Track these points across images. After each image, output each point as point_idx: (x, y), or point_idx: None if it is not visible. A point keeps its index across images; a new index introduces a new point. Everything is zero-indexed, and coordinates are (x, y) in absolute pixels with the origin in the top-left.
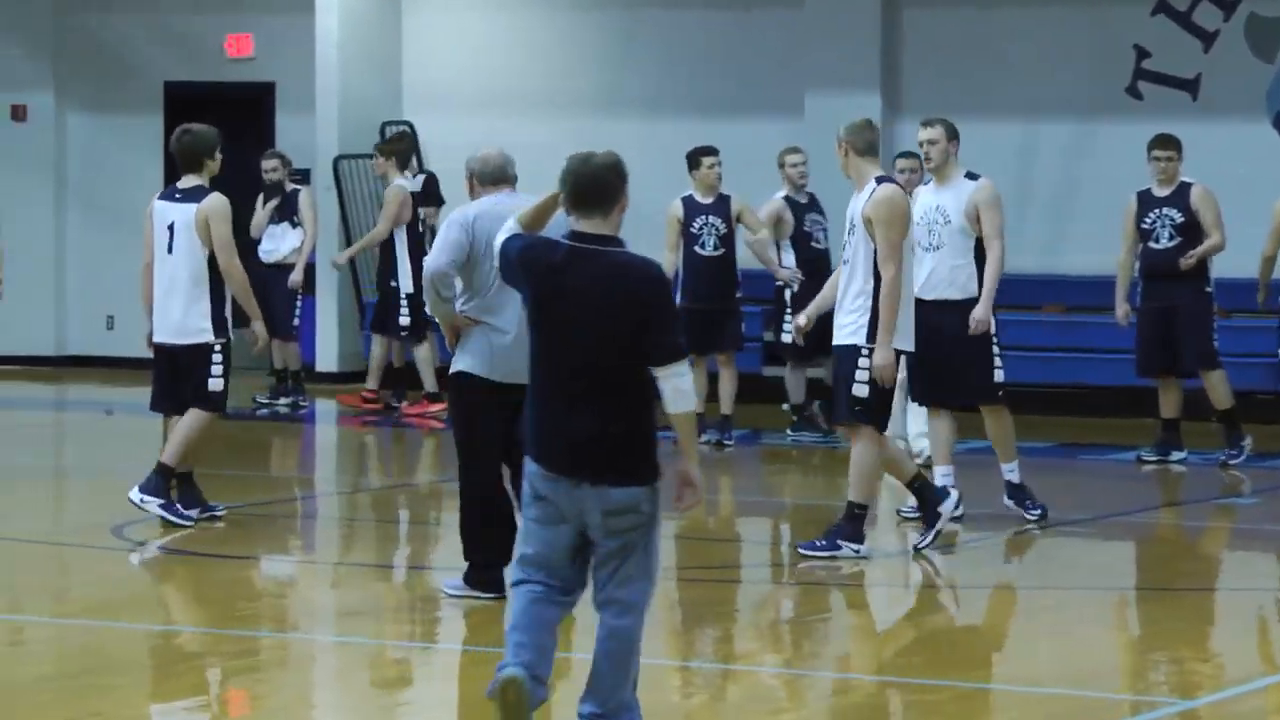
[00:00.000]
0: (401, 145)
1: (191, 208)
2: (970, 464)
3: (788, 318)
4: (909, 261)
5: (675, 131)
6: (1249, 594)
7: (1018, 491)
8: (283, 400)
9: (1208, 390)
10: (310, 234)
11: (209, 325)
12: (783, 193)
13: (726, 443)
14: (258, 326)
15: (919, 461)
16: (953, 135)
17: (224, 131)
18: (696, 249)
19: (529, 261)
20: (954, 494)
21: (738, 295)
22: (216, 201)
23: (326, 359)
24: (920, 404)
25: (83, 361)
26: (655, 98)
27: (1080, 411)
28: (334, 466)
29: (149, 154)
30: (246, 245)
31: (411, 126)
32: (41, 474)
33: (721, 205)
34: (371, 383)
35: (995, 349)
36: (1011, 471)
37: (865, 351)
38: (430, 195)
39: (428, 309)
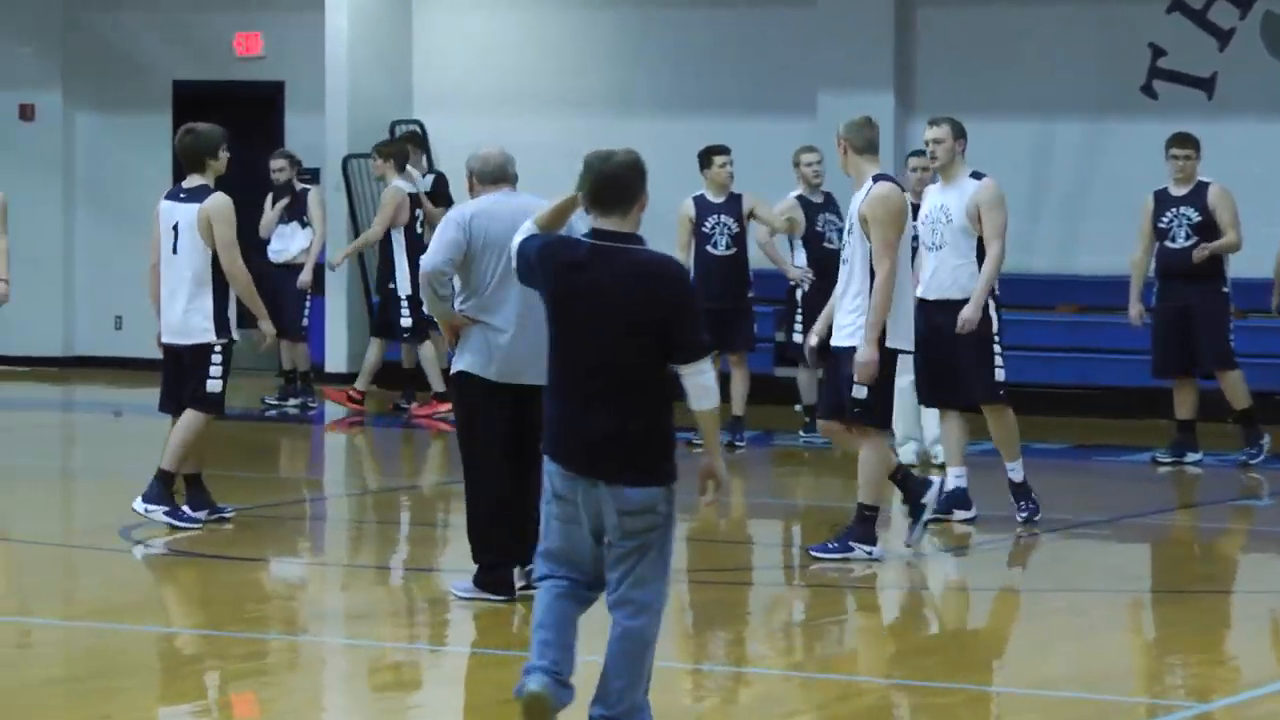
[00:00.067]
0: (400, 147)
1: (194, 208)
2: (983, 465)
3: (799, 318)
4: (908, 261)
5: (687, 130)
6: (1266, 596)
7: (1018, 490)
8: (291, 401)
9: (1225, 390)
10: (319, 234)
11: (210, 325)
12: (796, 192)
13: (738, 444)
14: (264, 325)
15: (934, 464)
16: (959, 134)
17: (233, 131)
18: (708, 248)
19: (548, 259)
20: (935, 482)
21: (750, 295)
22: (219, 201)
23: (336, 360)
24: (924, 405)
25: (90, 362)
26: (667, 96)
27: (1094, 412)
28: (343, 468)
29: (157, 153)
30: (256, 245)
31: (421, 126)
32: (49, 475)
33: (733, 204)
34: (361, 384)
35: (997, 348)
36: (1014, 470)
37: None
38: (439, 196)
39: (425, 309)
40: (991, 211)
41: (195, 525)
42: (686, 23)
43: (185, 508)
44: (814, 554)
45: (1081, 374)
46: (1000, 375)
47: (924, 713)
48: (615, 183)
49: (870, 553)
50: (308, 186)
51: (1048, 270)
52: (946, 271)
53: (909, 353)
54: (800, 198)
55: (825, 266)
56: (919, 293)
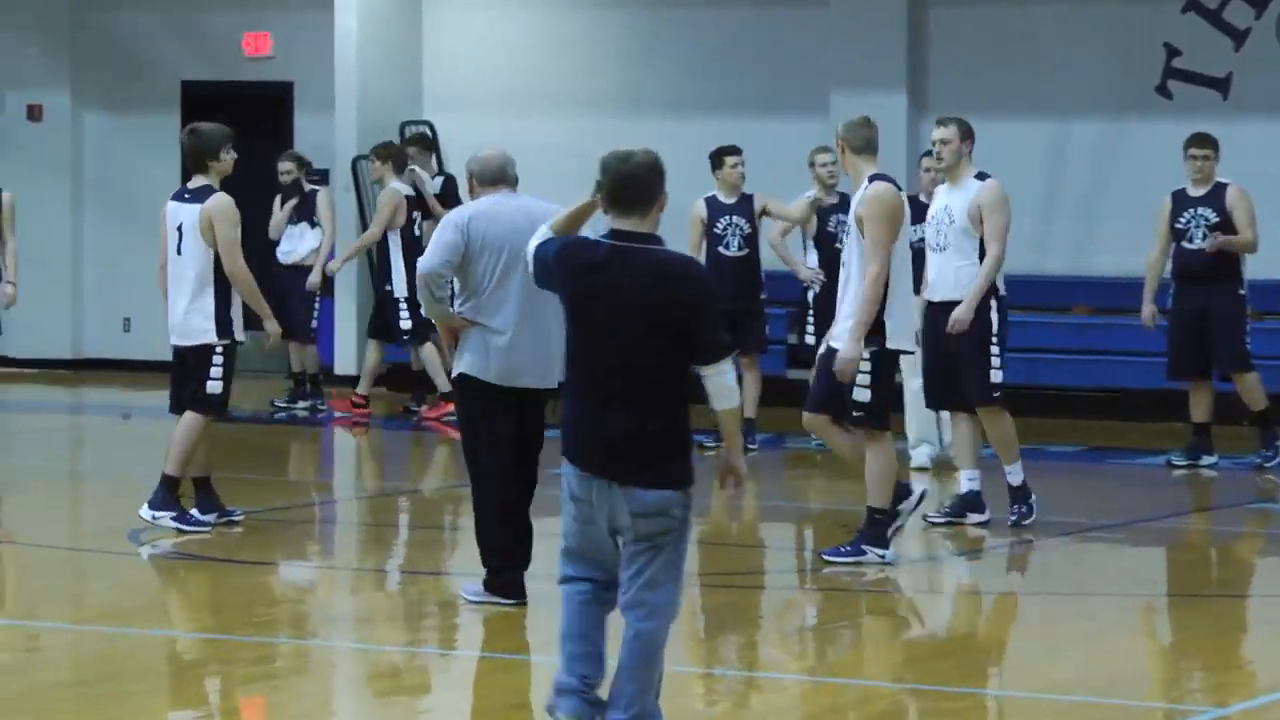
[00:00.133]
0: (398, 149)
1: (196, 208)
2: (996, 468)
3: (811, 320)
4: (906, 261)
5: (698, 131)
6: None
7: (1015, 493)
8: (301, 404)
9: (1241, 393)
10: (328, 235)
11: (211, 325)
12: (811, 192)
13: (750, 447)
14: (269, 325)
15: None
16: (966, 135)
17: (241, 131)
18: (720, 249)
19: (566, 261)
20: (918, 492)
21: (762, 297)
22: (220, 202)
23: (345, 362)
24: (930, 408)
25: (99, 364)
26: (678, 97)
27: (1109, 415)
28: (352, 471)
29: (166, 154)
30: (266, 246)
31: (431, 127)
32: (58, 478)
33: (745, 205)
34: (363, 388)
35: (994, 350)
36: (1012, 473)
37: (866, 355)
38: (449, 198)
39: (423, 311)
40: (993, 213)
41: (204, 529)
42: (698, 22)
43: (194, 511)
44: (826, 558)
45: (1096, 376)
46: (996, 377)
47: (936, 717)
48: (635, 183)
49: (883, 556)
50: (316, 187)
51: (1062, 271)
52: (949, 273)
53: (909, 353)
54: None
55: (838, 268)
56: (925, 295)
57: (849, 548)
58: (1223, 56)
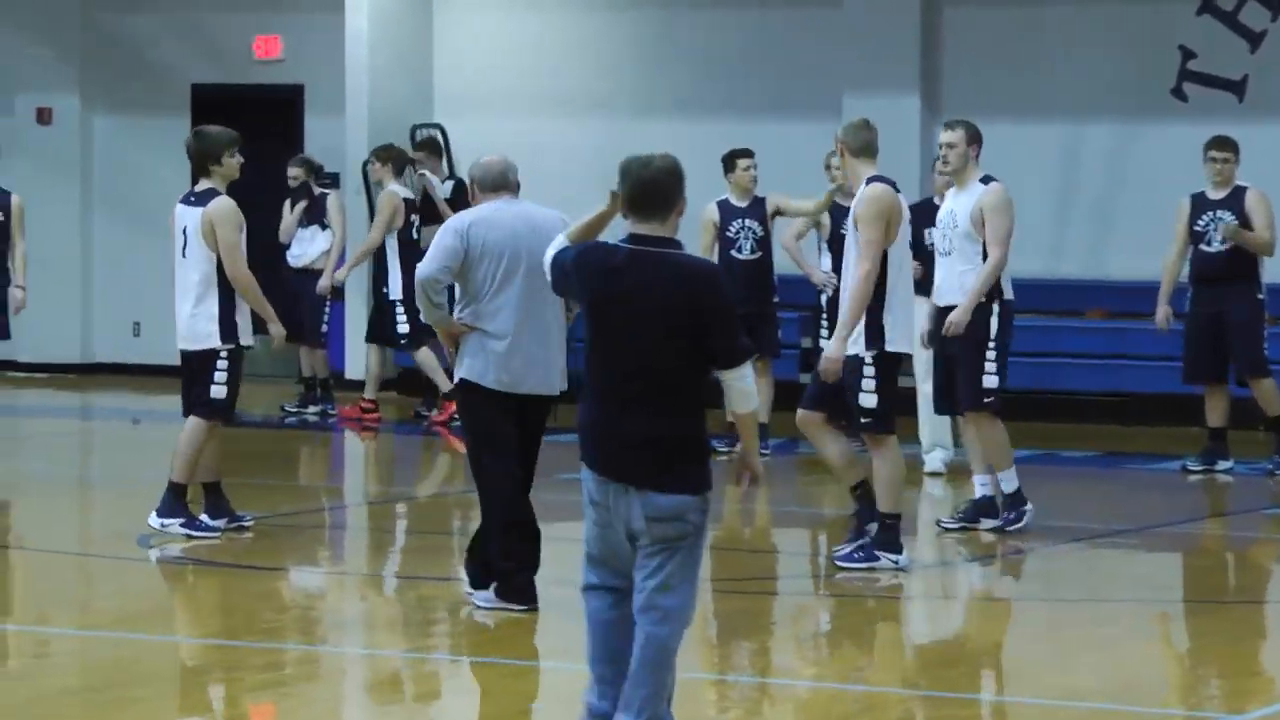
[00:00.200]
0: (398, 152)
1: (199, 212)
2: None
3: (825, 324)
4: (906, 263)
5: (711, 133)
6: None
7: (1007, 501)
8: (311, 409)
9: (1258, 398)
10: (339, 238)
11: (215, 330)
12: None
13: (763, 451)
14: (273, 328)
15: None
16: (974, 139)
17: (252, 134)
18: (733, 253)
19: (586, 265)
20: (904, 557)
21: (775, 300)
22: (221, 206)
23: (356, 367)
24: (937, 412)
25: (109, 369)
26: (690, 99)
27: (1124, 419)
28: (363, 476)
29: (176, 157)
30: (276, 250)
31: (442, 129)
32: (67, 484)
33: (757, 208)
34: (369, 392)
35: (990, 355)
36: (1005, 480)
37: (868, 360)
38: (460, 202)
39: (422, 316)
40: (995, 216)
41: (213, 534)
42: (710, 24)
43: (203, 516)
44: (839, 564)
45: (1110, 380)
46: (989, 382)
47: None
48: (655, 188)
49: (896, 562)
50: (327, 191)
51: (1077, 275)
52: (953, 277)
53: (910, 356)
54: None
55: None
56: (934, 299)
57: (862, 554)
58: (1238, 59)
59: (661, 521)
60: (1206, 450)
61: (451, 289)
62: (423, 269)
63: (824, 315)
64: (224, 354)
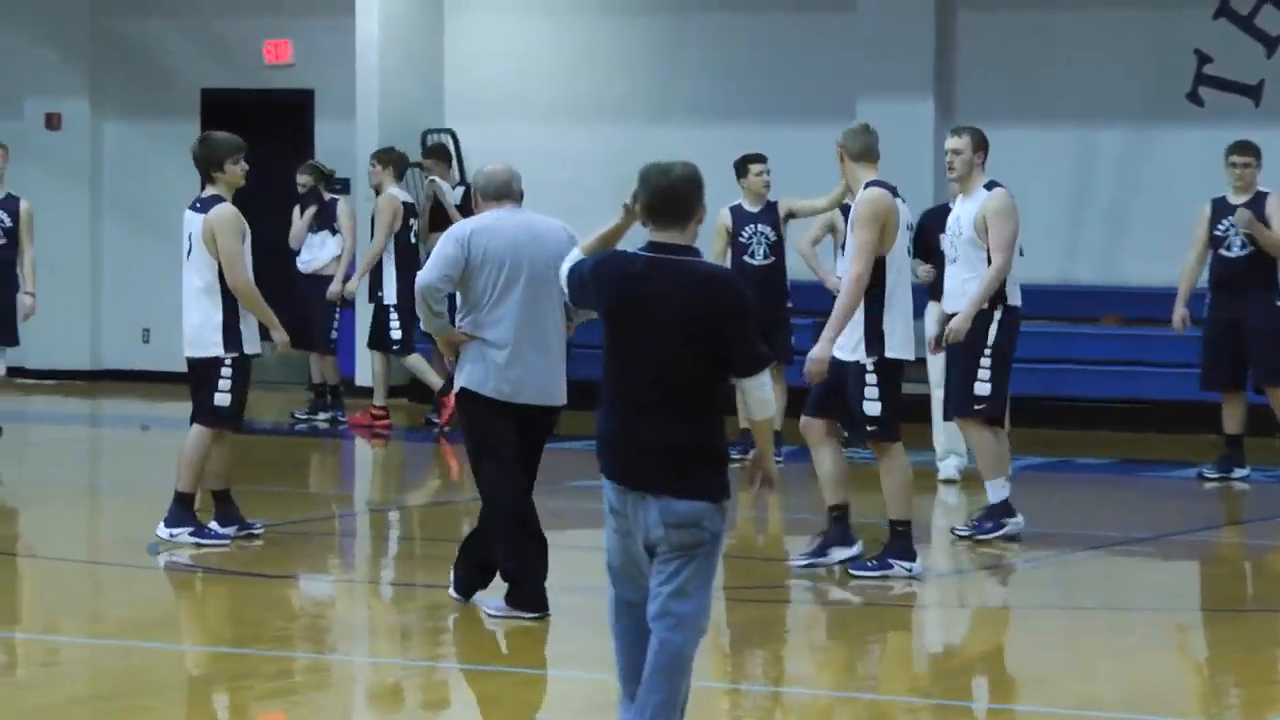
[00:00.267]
0: (398, 155)
1: (202, 219)
2: (1025, 480)
3: None
4: (905, 268)
5: (723, 138)
6: None
7: (991, 510)
8: (321, 415)
9: (1275, 406)
10: (349, 245)
11: (219, 338)
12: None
13: (776, 459)
14: (276, 335)
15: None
16: (980, 145)
17: (262, 139)
18: (746, 258)
19: (605, 274)
20: (857, 548)
21: (788, 306)
22: (222, 213)
23: (366, 373)
24: (945, 418)
25: (118, 375)
26: (703, 103)
27: (1139, 427)
28: (373, 483)
29: (186, 163)
30: (286, 255)
31: (454, 134)
32: (77, 491)
33: (770, 213)
34: (379, 399)
35: (984, 362)
36: (992, 489)
37: (869, 367)
38: (469, 209)
39: (422, 325)
40: (999, 221)
41: (222, 542)
42: (723, 28)
43: (213, 524)
44: (853, 572)
45: (1126, 387)
46: (980, 390)
47: None
48: (675, 196)
49: (909, 569)
50: (337, 197)
51: (1092, 281)
52: (957, 284)
53: (909, 362)
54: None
55: None
56: (942, 305)
57: (875, 561)
58: (1254, 63)
59: (679, 528)
60: (1223, 457)
61: (452, 297)
62: (423, 277)
63: None
64: (228, 362)
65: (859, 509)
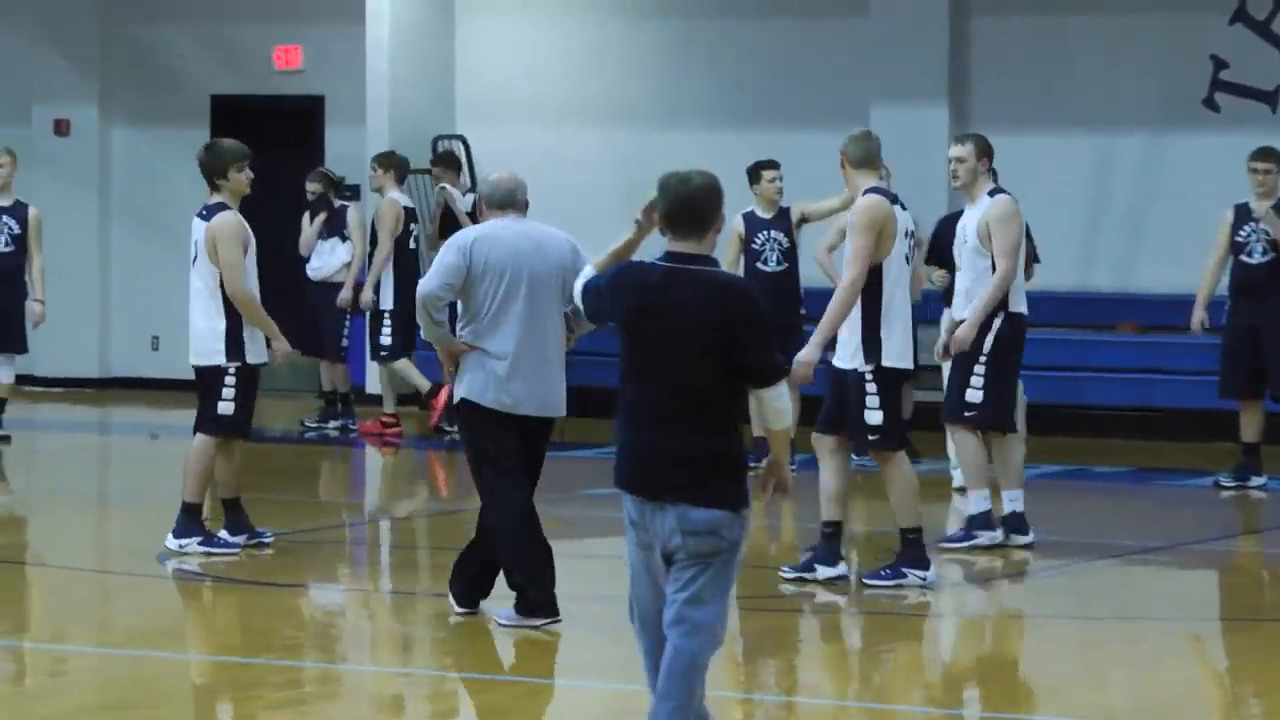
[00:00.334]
0: (400, 159)
1: (205, 226)
2: (1041, 488)
3: None
4: (903, 277)
5: (736, 143)
6: None
7: (970, 520)
8: (332, 424)
9: None
10: (359, 252)
11: (222, 347)
12: None
13: (790, 466)
14: (278, 346)
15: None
16: (984, 153)
17: (272, 145)
18: (759, 265)
19: (623, 284)
20: (841, 569)
21: (801, 312)
22: (223, 221)
23: (376, 381)
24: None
25: (127, 383)
26: (715, 109)
27: (1156, 435)
28: (384, 491)
29: (195, 169)
30: (296, 262)
31: (464, 140)
32: (85, 499)
33: (782, 219)
34: (389, 406)
35: (979, 369)
36: (972, 501)
37: (868, 376)
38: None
39: (422, 334)
40: (1002, 227)
41: (232, 550)
42: (736, 33)
43: (222, 533)
44: (867, 582)
45: (1143, 395)
46: (973, 396)
47: None
48: (694, 205)
49: (924, 578)
50: (347, 203)
51: (1108, 288)
52: (961, 292)
53: (908, 370)
54: None
55: None
56: (951, 312)
57: (889, 570)
58: (1271, 69)
59: (696, 535)
60: (1239, 466)
61: (452, 307)
62: (424, 286)
63: None
64: (232, 371)
65: (872, 518)
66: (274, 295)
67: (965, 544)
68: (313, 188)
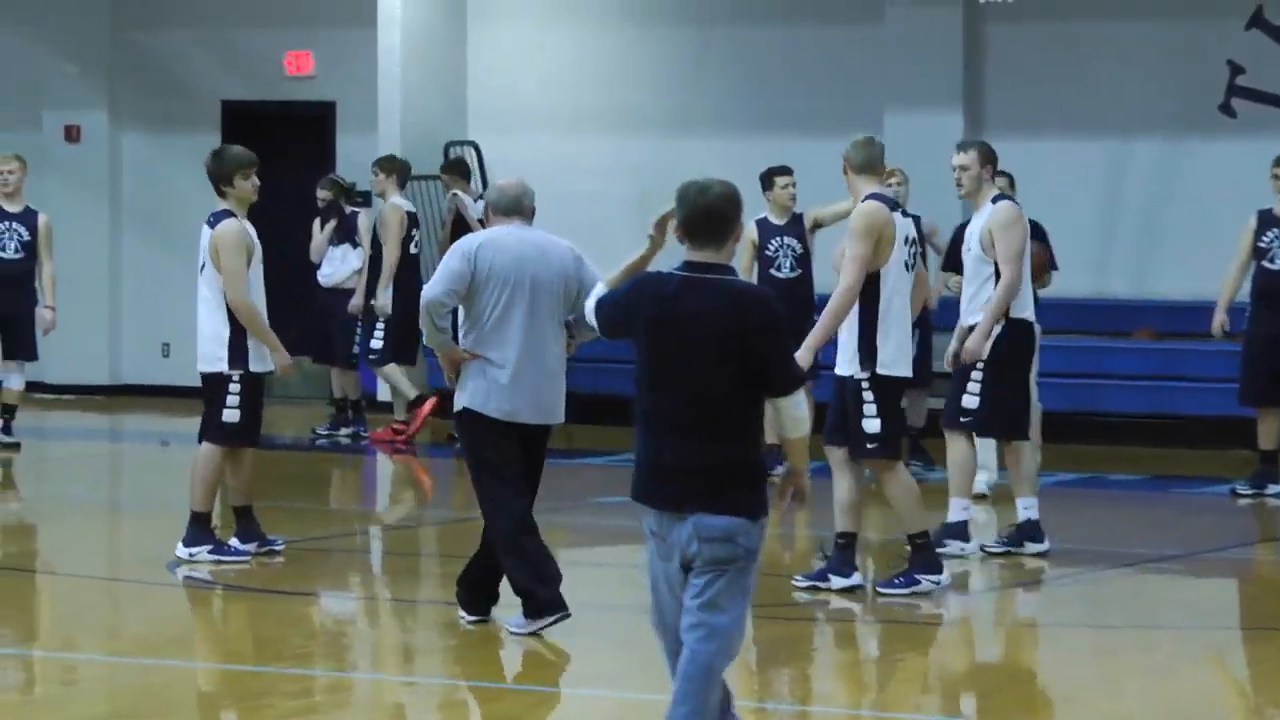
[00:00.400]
0: (402, 164)
1: (209, 233)
2: (1057, 496)
3: None
4: (903, 284)
5: (749, 150)
6: None
7: (946, 528)
8: (343, 431)
9: None
10: (369, 259)
11: (224, 354)
12: None
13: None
14: (278, 358)
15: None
16: (987, 160)
17: (283, 152)
18: (773, 272)
19: (641, 294)
20: (855, 579)
21: (815, 319)
22: (226, 229)
23: (387, 388)
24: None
25: (138, 391)
26: (728, 115)
27: (1172, 442)
28: (395, 499)
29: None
30: (307, 269)
31: (476, 147)
32: (95, 507)
33: (796, 225)
34: (400, 413)
35: (976, 375)
36: (952, 508)
37: (865, 383)
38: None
39: (424, 339)
40: (1004, 234)
41: (243, 558)
42: (749, 39)
43: (233, 540)
44: (881, 590)
45: (1159, 402)
46: (969, 403)
47: None
48: (713, 215)
49: (937, 582)
50: (358, 210)
51: (1124, 295)
52: (966, 300)
53: (906, 378)
54: None
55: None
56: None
57: (902, 579)
58: None
59: (712, 542)
60: (1257, 473)
61: (454, 312)
62: (428, 291)
63: None
64: (236, 378)
65: (887, 526)
66: (285, 302)
67: (939, 548)
68: (324, 194)
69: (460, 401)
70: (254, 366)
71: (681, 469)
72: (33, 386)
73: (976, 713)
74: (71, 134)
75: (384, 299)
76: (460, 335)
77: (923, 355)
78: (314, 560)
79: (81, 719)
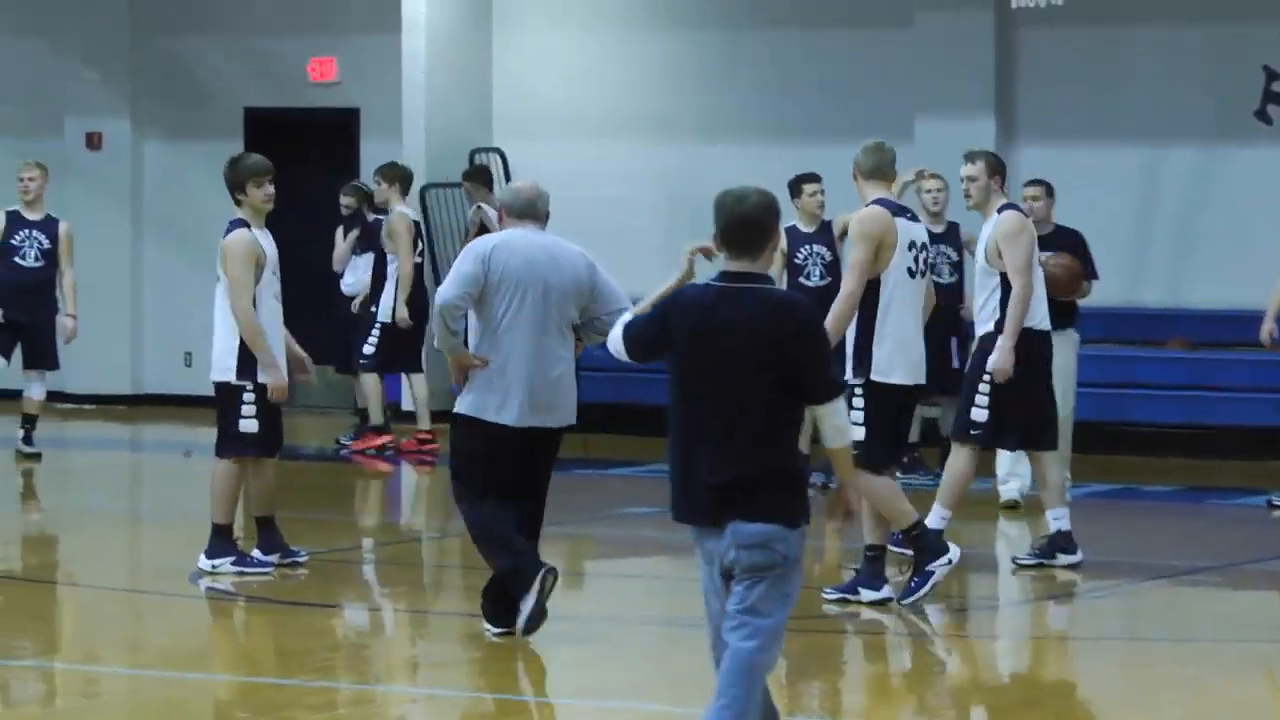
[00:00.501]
0: (404, 171)
1: (220, 242)
2: (1088, 507)
3: None
4: (908, 292)
5: (777, 156)
6: None
7: (926, 535)
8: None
9: None
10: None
11: (234, 364)
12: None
13: (830, 485)
14: (264, 375)
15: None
16: (995, 170)
17: (307, 158)
18: (802, 280)
19: (681, 306)
20: (886, 592)
21: None
22: (234, 239)
23: (411, 398)
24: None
25: (160, 400)
26: (756, 121)
27: (1207, 453)
28: (420, 510)
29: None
30: (330, 278)
31: (502, 153)
32: (118, 518)
33: (825, 233)
34: (423, 423)
35: (984, 388)
36: (932, 516)
37: (857, 390)
38: None
39: (436, 343)
40: (1009, 243)
41: (265, 570)
42: (777, 45)
43: (256, 551)
44: (903, 602)
45: (1193, 413)
46: (978, 415)
47: None
48: (751, 225)
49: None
50: (380, 218)
51: (1157, 304)
52: (976, 310)
53: (906, 387)
54: None
55: (936, 300)
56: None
57: (916, 580)
58: None
59: (749, 549)
60: None
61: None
62: (442, 294)
63: None
64: (249, 388)
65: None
66: (307, 310)
67: (898, 550)
68: (347, 202)
69: (460, 406)
70: (261, 378)
71: (719, 483)
72: (54, 396)
73: None
74: (93, 141)
75: (402, 311)
76: (472, 342)
77: (947, 363)
78: (337, 572)
79: None
